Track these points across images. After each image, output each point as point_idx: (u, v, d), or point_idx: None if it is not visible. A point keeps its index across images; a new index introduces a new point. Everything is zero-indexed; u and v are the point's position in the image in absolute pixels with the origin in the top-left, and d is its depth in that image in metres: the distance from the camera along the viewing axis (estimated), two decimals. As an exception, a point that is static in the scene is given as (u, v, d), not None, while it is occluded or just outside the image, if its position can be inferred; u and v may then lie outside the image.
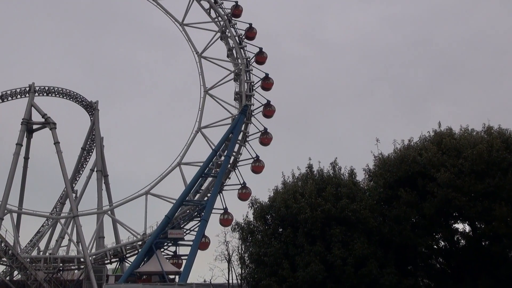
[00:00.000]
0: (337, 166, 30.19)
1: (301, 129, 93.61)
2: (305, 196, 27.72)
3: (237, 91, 35.96)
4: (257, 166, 33.29)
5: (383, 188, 27.79)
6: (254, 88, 35.99)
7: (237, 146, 33.84)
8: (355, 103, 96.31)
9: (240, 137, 34.24)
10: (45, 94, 39.80)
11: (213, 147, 33.38)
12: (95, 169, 39.62)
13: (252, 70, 36.64)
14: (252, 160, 33.42)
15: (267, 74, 36.20)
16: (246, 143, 34.18)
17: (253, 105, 35.40)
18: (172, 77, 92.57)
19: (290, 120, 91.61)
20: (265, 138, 34.11)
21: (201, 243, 29.17)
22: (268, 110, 35.06)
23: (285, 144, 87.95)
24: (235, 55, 38.14)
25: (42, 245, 37.04)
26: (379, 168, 28.83)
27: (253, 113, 35.00)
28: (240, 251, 31.42)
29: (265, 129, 34.33)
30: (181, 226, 30.92)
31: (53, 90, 40.11)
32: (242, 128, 34.29)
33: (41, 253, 34.59)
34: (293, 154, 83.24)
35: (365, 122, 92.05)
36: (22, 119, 36.59)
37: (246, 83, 36.01)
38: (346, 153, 79.89)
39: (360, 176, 30.35)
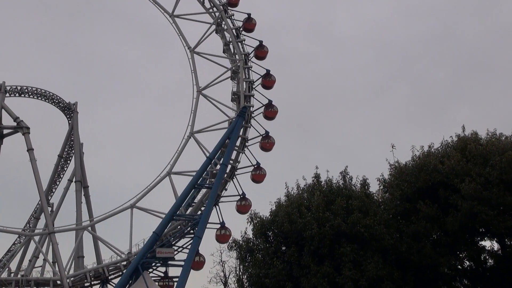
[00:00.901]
0: (348, 176, 30.85)
1: (307, 133, 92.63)
2: (312, 210, 28.20)
3: (235, 91, 35.97)
4: (258, 175, 33.39)
5: (400, 201, 28.31)
6: (253, 87, 36.32)
7: (234, 152, 33.70)
8: (368, 105, 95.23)
9: (238, 143, 34.04)
10: (17, 94, 40.19)
11: (208, 154, 33.21)
12: (74, 180, 39.61)
13: (251, 67, 36.89)
14: (252, 168, 33.61)
15: (268, 71, 36.36)
16: (245, 149, 34.38)
17: (253, 106, 35.29)
18: (161, 75, 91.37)
19: (294, 124, 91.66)
20: (267, 143, 34.31)
21: (195, 262, 29.37)
22: (270, 111, 35.19)
23: (289, 150, 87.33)
24: (232, 51, 38.31)
25: (13, 265, 36.74)
26: (396, 178, 29.34)
27: (252, 115, 35.21)
28: (238, 272, 32.62)
29: (267, 132, 34.48)
30: (172, 243, 31.07)
31: (26, 90, 40.48)
32: (241, 133, 34.17)
33: (12, 274, 34.10)
34: (298, 162, 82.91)
35: (379, 126, 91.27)
36: (-9, 123, 36.98)
37: (244, 82, 36.06)
38: (358, 161, 78.89)
39: (374, 187, 31.09)
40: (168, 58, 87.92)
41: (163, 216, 31.67)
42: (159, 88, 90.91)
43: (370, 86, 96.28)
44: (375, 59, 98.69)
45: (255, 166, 33.81)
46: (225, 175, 32.98)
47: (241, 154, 34.00)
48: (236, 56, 37.70)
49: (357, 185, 30.28)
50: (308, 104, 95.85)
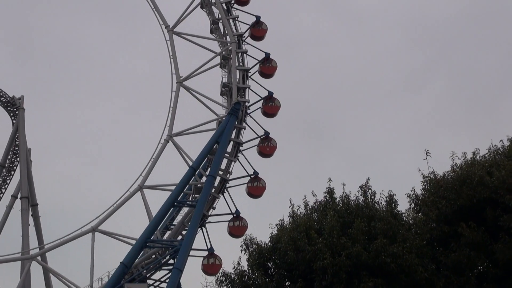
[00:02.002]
0: (370, 191, 30.71)
1: (318, 136, 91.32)
2: (324, 235, 27.97)
3: (225, 82, 36.03)
4: (255, 188, 33.62)
5: (437, 223, 28.11)
6: (249, 76, 36.49)
7: (225, 161, 33.66)
8: (395, 100, 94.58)
9: (229, 148, 34.03)
10: None
11: (191, 163, 33.22)
12: (19, 196, 39.21)
13: (246, 52, 36.91)
14: (248, 179, 33.85)
15: (267, 55, 36.44)
16: (239, 156, 34.48)
17: (249, 102, 35.30)
18: (132, 63, 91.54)
19: (301, 123, 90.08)
20: (266, 147, 34.56)
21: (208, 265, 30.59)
22: (270, 107, 35.46)
23: (295, 157, 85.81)
24: (222, 30, 38.34)
25: None
26: (431, 193, 29.23)
27: (248, 112, 35.33)
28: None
29: (267, 133, 34.72)
30: (145, 277, 30.79)
31: (-42, 82, 41.30)
32: (233, 135, 34.18)
33: None
34: (306, 173, 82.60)
35: (410, 127, 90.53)
36: None
37: (238, 70, 36.02)
38: (383, 172, 77.71)
39: (403, 205, 30.95)
40: (141, 41, 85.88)
41: (134, 242, 31.56)
42: (128, 79, 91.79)
43: (399, 76, 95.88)
44: (405, 42, 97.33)
45: (252, 177, 33.94)
46: (213, 189, 33.00)
47: (233, 162, 33.98)
48: (227, 37, 37.74)
49: (381, 203, 30.21)
50: (319, 99, 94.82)
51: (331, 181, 31.72)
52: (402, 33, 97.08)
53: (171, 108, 35.76)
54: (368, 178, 31.03)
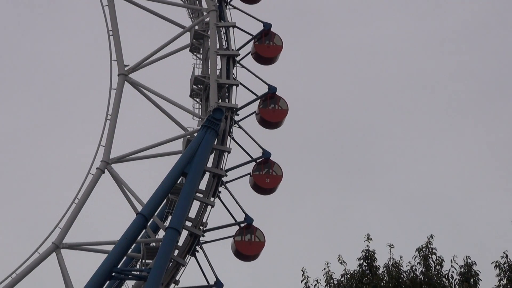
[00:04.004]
0: (434, 257, 29.72)
1: (348, 165, 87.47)
2: None
3: (199, 76, 35.70)
4: (247, 244, 33.52)
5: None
6: (237, 62, 36.21)
7: (197, 204, 32.78)
8: (472, 113, 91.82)
9: (204, 182, 33.27)
10: None
11: (139, 208, 32.35)
12: None
13: (234, 25, 36.41)
14: (237, 229, 33.75)
15: (267, 27, 36.31)
16: (221, 191, 33.94)
17: (237, 107, 34.68)
18: (48, 46, 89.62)
19: (322, 143, 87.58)
20: (266, 177, 34.55)
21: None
22: (272, 111, 35.59)
23: (311, 199, 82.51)
24: None
25: None
26: None
27: (236, 120, 35.03)
28: None
29: (266, 155, 34.44)
30: None
31: None
32: (210, 163, 33.45)
33: None
34: (328, 225, 79.92)
35: (493, 152, 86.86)
36: None
37: (219, 57, 35.45)
38: (452, 225, 75.42)
39: (489, 281, 29.91)
40: (60, 11, 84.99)
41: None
42: (46, 71, 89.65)
43: (478, 74, 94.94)
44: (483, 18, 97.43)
45: (242, 227, 34.02)
46: (176, 250, 32.15)
47: (210, 207, 33.16)
48: (203, 1, 37.85)
49: (452, 277, 29.19)
50: (350, 105, 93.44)
51: (370, 239, 30.41)
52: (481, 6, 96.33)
53: (108, 118, 35.01)
54: (431, 236, 29.86)
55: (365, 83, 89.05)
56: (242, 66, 36.54)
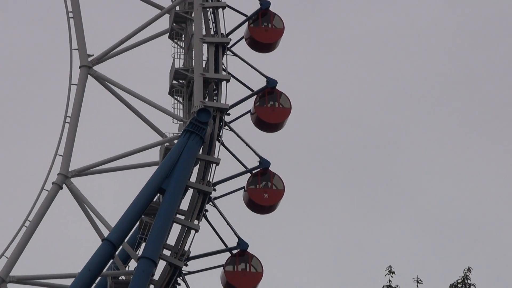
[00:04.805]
0: None
1: (367, 183, 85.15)
2: None
3: (179, 69, 35.70)
4: (239, 276, 33.02)
5: None
6: (229, 48, 35.57)
7: (176, 228, 31.72)
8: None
9: (185, 202, 32.19)
10: None
11: (105, 234, 31.61)
12: None
13: (225, 5, 35.20)
14: (228, 257, 32.85)
15: (265, 5, 35.59)
16: (208, 209, 33.10)
17: (228, 107, 34.06)
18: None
19: (334, 154, 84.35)
20: (263, 191, 34.11)
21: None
22: (272, 109, 35.33)
23: (322, 222, 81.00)
24: None
25: None
26: None
27: (226, 122, 34.28)
28: None
29: (264, 165, 34.09)
30: None
31: None
32: (193, 177, 32.42)
33: None
34: (343, 253, 77.58)
35: None
36: None
37: (206, 45, 34.68)
38: (492, 254, 73.40)
39: None
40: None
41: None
42: None
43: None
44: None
45: (235, 254, 33.48)
46: (152, 286, 31.84)
47: (194, 232, 32.35)
48: None
49: None
50: (366, 102, 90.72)
51: (393, 272, 28.02)
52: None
53: (68, 121, 34.15)
54: (468, 269, 27.76)
55: (385, 77, 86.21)
56: (234, 54, 35.62)
